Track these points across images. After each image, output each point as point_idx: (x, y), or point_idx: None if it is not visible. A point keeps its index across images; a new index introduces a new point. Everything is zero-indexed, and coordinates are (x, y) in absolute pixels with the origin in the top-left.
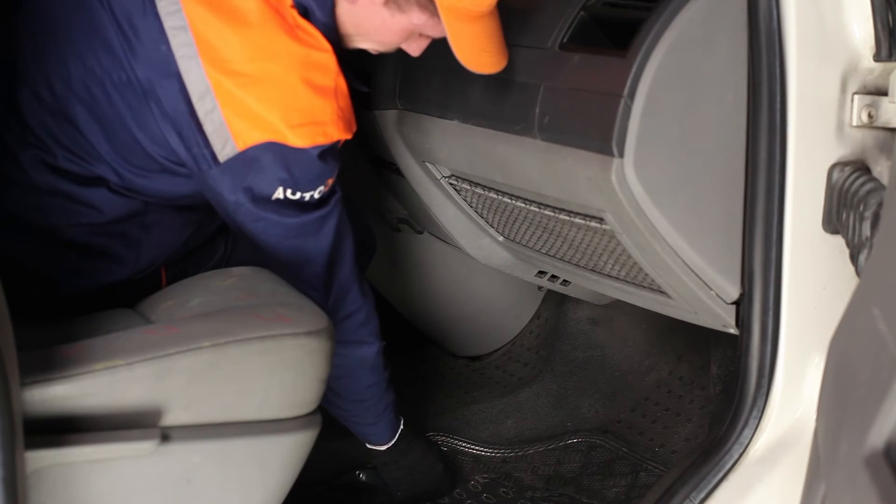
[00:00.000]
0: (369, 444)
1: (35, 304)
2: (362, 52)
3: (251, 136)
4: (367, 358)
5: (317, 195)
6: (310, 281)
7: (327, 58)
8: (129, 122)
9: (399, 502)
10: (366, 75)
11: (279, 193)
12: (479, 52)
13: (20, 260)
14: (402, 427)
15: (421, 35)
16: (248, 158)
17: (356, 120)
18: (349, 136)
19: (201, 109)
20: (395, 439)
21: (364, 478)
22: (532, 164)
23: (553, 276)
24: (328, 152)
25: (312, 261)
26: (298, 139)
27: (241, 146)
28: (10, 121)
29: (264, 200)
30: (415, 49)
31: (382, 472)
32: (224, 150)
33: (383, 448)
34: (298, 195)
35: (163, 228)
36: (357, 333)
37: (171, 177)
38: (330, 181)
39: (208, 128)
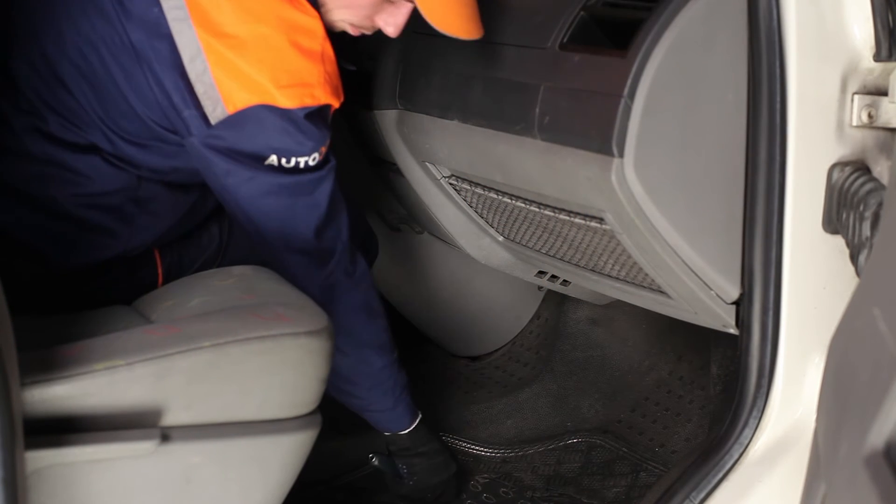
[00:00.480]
0: (389, 431)
1: (31, 285)
2: (361, 50)
3: (241, 99)
4: (375, 336)
5: (311, 162)
6: (302, 247)
7: (314, 23)
8: (122, 85)
9: (402, 500)
10: (366, 75)
11: (272, 160)
12: (446, 13)
13: (14, 232)
14: (420, 415)
15: (392, 3)
16: (238, 121)
17: (356, 120)
18: (337, 104)
19: (192, 71)
20: (416, 423)
21: (377, 463)
22: (532, 164)
23: (553, 276)
24: (317, 116)
25: (304, 224)
26: (286, 100)
27: (231, 109)
28: (5, 89)
29: (256, 162)
30: (391, 26)
31: (399, 457)
32: (215, 112)
33: (404, 433)
34: (293, 161)
35: (156, 205)
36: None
37: (163, 145)
38: (323, 149)
39: (199, 89)
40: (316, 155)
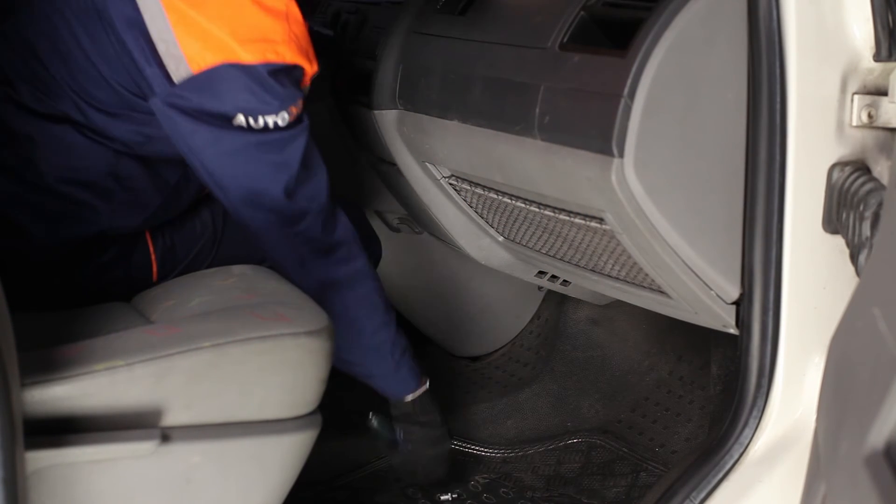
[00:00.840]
0: (394, 397)
1: (26, 274)
2: (361, 50)
3: (204, 59)
4: (364, 298)
5: (280, 122)
6: (271, 206)
7: None
8: (88, 50)
9: (394, 472)
10: (366, 76)
11: (240, 121)
12: None
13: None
14: (427, 384)
15: None
16: (203, 81)
17: (356, 120)
18: (309, 67)
19: (154, 30)
20: (422, 389)
21: (375, 424)
22: (532, 164)
23: (553, 276)
24: (283, 75)
25: (274, 184)
26: (248, 54)
27: (195, 69)
28: None
29: (223, 122)
30: None
31: (399, 422)
32: (178, 70)
33: (409, 398)
34: (261, 121)
35: (135, 183)
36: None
37: (134, 114)
38: (294, 109)
39: (161, 48)
40: (285, 115)
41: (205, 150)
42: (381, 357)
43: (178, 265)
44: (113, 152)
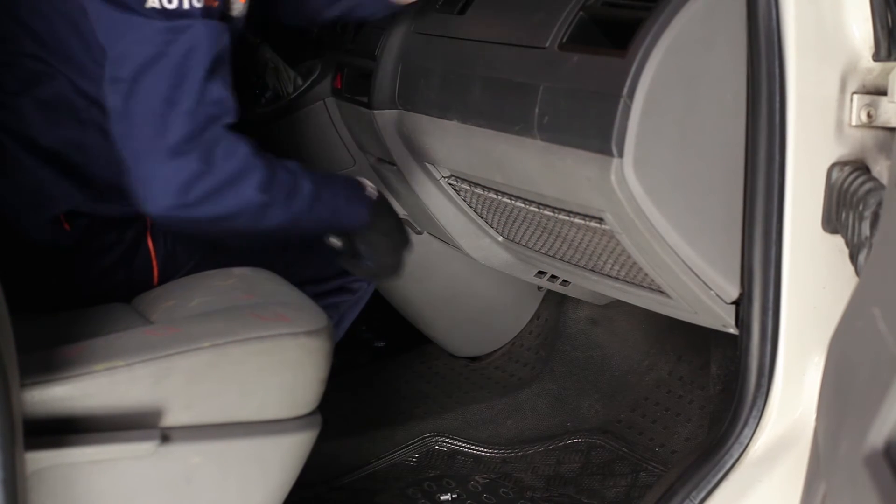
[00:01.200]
0: (361, 222)
1: (29, 281)
2: (361, 50)
3: None
4: (285, 181)
5: (196, 2)
6: (183, 97)
7: None
8: None
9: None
10: (366, 76)
11: (153, 1)
12: None
13: None
14: (375, 190)
15: None
16: None
17: (355, 119)
18: None
19: None
20: (372, 206)
21: (336, 241)
22: (532, 164)
23: (553, 276)
24: None
25: (187, 70)
26: None
27: None
28: None
29: (137, 3)
30: None
31: (360, 236)
32: None
33: (365, 221)
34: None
35: (100, 158)
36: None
37: (74, 38)
38: None
39: None
40: None
41: (119, 41)
42: (317, 222)
43: (180, 271)
44: (76, 122)
